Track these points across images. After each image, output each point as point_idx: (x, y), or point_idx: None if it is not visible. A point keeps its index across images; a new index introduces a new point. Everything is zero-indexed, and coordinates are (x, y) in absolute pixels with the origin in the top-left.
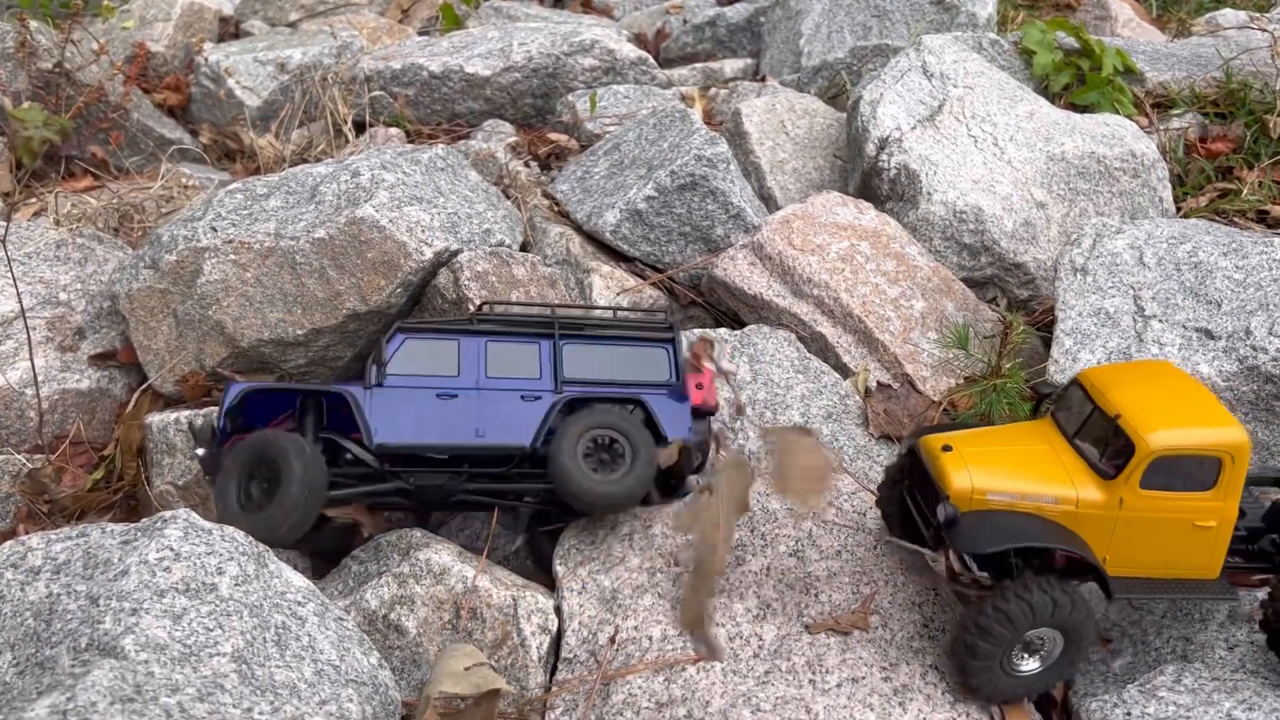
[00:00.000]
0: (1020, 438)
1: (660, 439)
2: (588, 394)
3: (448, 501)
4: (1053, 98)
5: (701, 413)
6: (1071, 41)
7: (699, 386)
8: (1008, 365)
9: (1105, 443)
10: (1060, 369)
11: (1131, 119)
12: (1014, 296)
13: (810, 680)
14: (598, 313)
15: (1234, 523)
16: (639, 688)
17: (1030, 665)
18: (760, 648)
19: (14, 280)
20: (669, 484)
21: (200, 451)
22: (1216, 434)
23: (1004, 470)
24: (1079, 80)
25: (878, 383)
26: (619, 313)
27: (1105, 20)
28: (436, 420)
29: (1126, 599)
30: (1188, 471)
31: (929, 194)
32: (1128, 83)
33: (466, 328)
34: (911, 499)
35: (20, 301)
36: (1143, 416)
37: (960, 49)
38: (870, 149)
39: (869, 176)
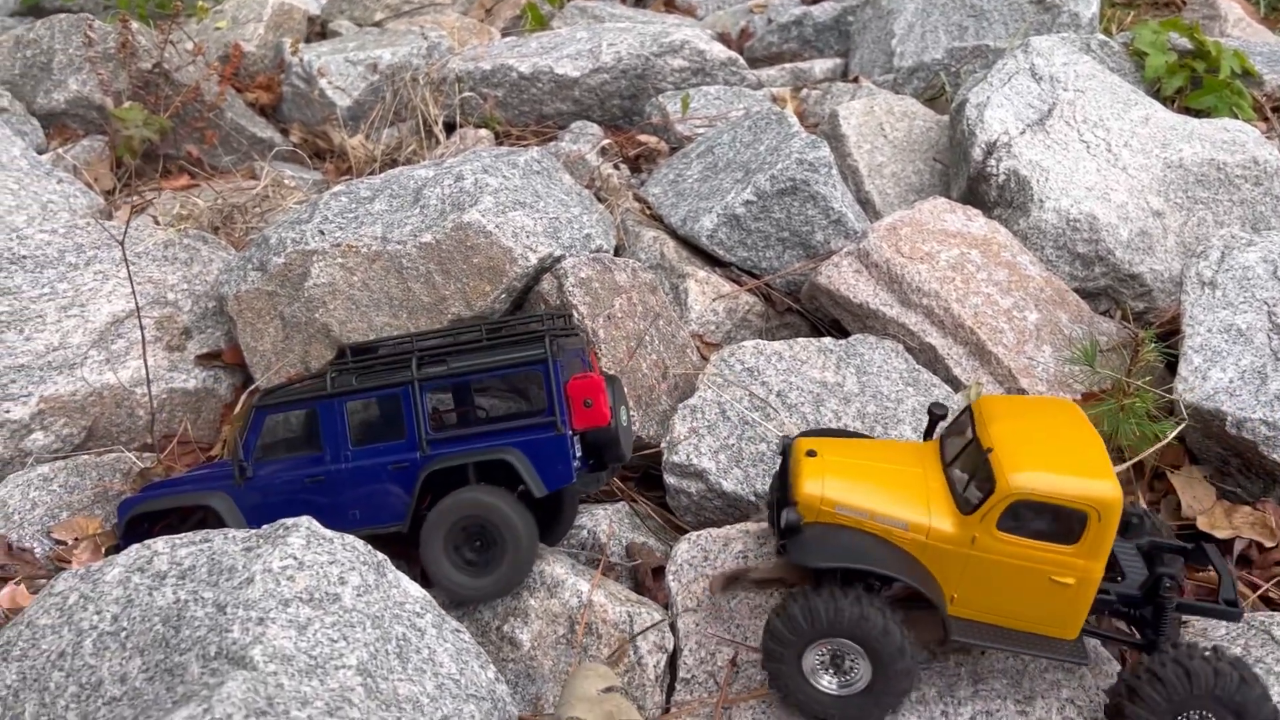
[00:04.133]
0: (896, 456)
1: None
2: (450, 456)
3: None
4: (1165, 101)
5: (598, 437)
6: (1185, 43)
7: (587, 404)
8: (1137, 383)
9: (974, 476)
10: (1189, 387)
11: (1251, 124)
12: (1129, 309)
13: (943, 712)
14: (469, 335)
15: (1097, 584)
16: (762, 713)
17: (828, 682)
18: None
19: (130, 280)
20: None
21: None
22: (1085, 486)
23: (862, 486)
24: (1194, 83)
25: None
26: (488, 328)
27: (1214, 20)
28: (310, 511)
29: (967, 644)
30: (1049, 521)
31: (1040, 201)
32: (1246, 86)
33: (321, 391)
34: (778, 502)
35: (136, 301)
36: (1014, 455)
37: (1069, 50)
38: (977, 153)
39: (975, 182)
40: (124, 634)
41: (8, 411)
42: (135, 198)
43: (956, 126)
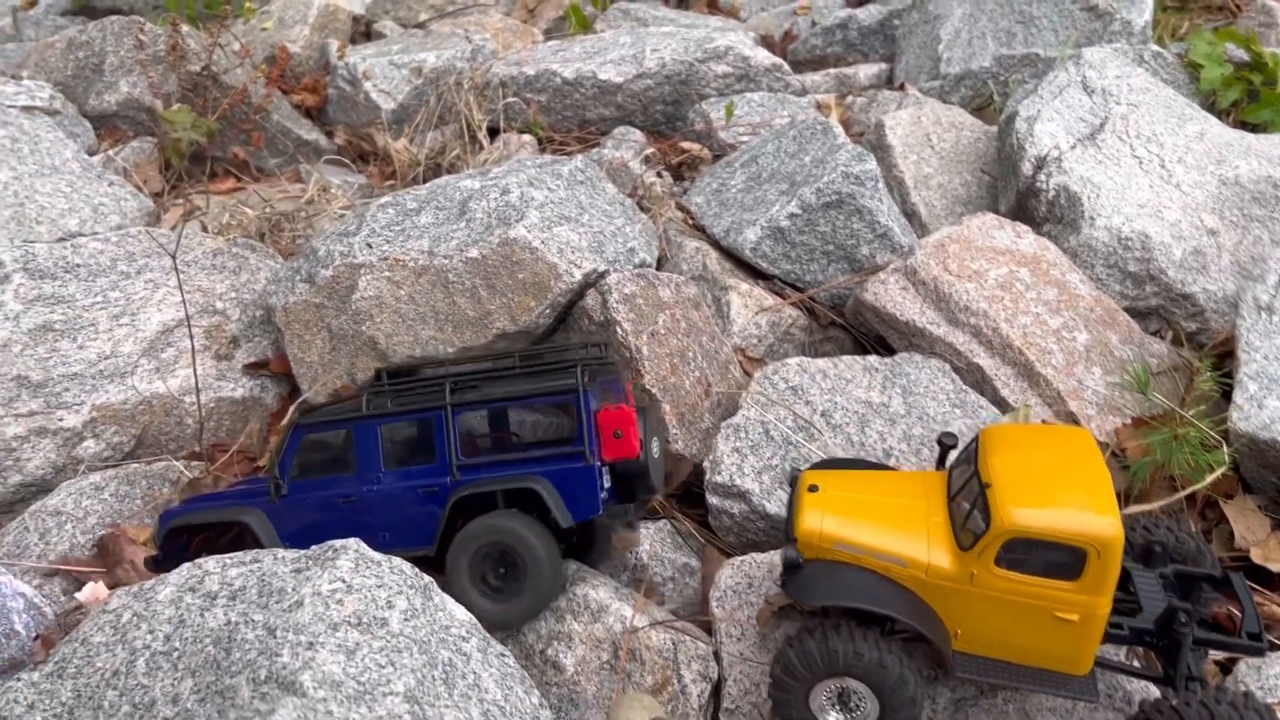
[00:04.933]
0: (900, 489)
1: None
2: (479, 482)
3: None
4: (1221, 115)
5: (628, 469)
6: (1242, 54)
7: (617, 435)
8: (1191, 412)
9: (973, 510)
10: (1244, 416)
11: None
12: (1180, 329)
13: None
14: (504, 362)
15: (1104, 620)
16: None
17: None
18: (934, 713)
19: (181, 290)
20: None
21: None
22: (1084, 522)
23: (861, 522)
24: (1250, 96)
25: (1043, 421)
26: (522, 356)
27: (1271, 28)
28: (335, 533)
29: (973, 680)
30: (1048, 558)
31: (1091, 218)
32: None
33: (358, 413)
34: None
35: (186, 311)
36: (1011, 490)
37: (1123, 63)
38: (1026, 168)
39: (1024, 197)
40: (176, 654)
41: (61, 419)
42: (183, 201)
43: (1005, 139)
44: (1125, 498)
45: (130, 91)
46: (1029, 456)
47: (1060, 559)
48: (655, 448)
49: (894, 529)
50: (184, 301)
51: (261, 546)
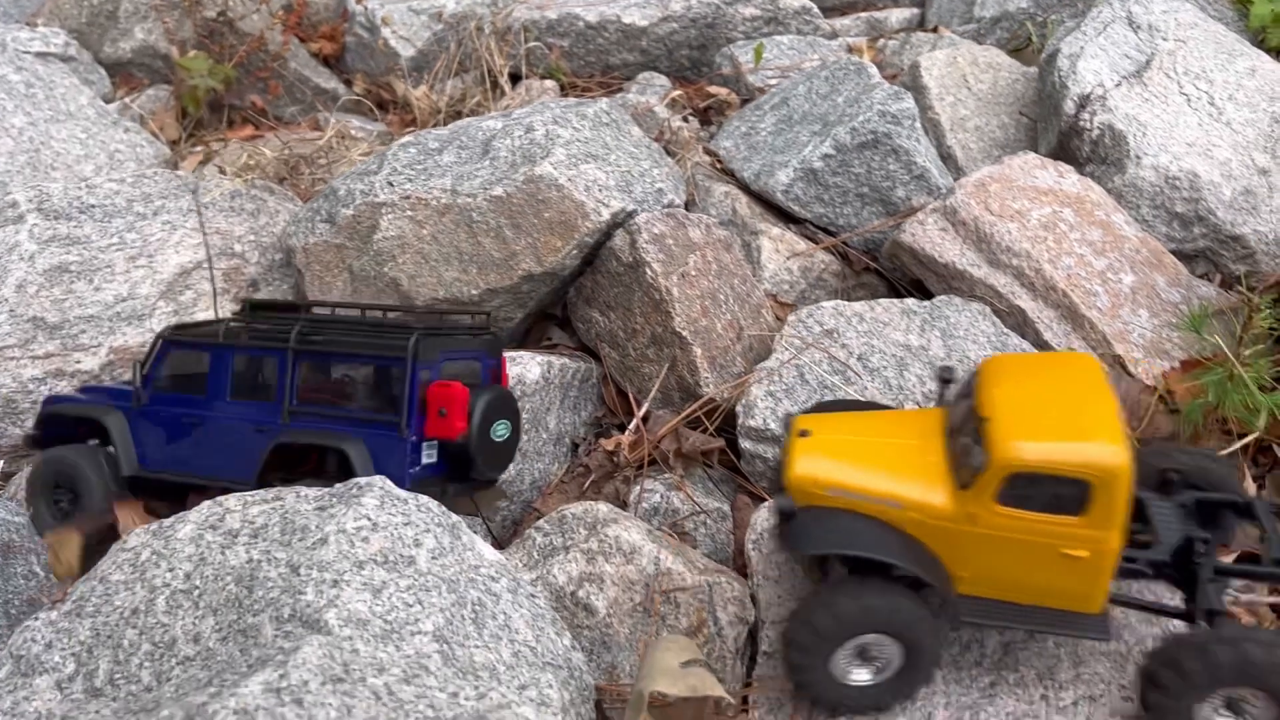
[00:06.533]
0: (897, 429)
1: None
2: (297, 431)
3: None
4: (1271, 52)
5: (455, 449)
6: None
7: (441, 413)
8: (1248, 352)
9: (972, 446)
10: None
11: None
12: (1228, 271)
13: (1042, 696)
14: (357, 312)
15: (1114, 554)
16: None
17: (862, 676)
18: (982, 656)
19: (203, 231)
20: None
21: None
22: (1086, 452)
23: (855, 465)
24: None
25: None
26: (370, 313)
27: None
28: (182, 449)
29: (978, 624)
30: (1050, 492)
31: (1137, 157)
32: None
33: (218, 341)
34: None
35: (208, 252)
36: (1010, 423)
37: None
38: (1069, 107)
39: (1067, 137)
40: (197, 593)
41: (78, 362)
42: (201, 148)
43: (1047, 79)
44: (1175, 442)
45: (145, 38)
46: (1030, 387)
47: (1064, 492)
48: (501, 431)
49: (888, 470)
50: (205, 243)
51: (115, 447)
